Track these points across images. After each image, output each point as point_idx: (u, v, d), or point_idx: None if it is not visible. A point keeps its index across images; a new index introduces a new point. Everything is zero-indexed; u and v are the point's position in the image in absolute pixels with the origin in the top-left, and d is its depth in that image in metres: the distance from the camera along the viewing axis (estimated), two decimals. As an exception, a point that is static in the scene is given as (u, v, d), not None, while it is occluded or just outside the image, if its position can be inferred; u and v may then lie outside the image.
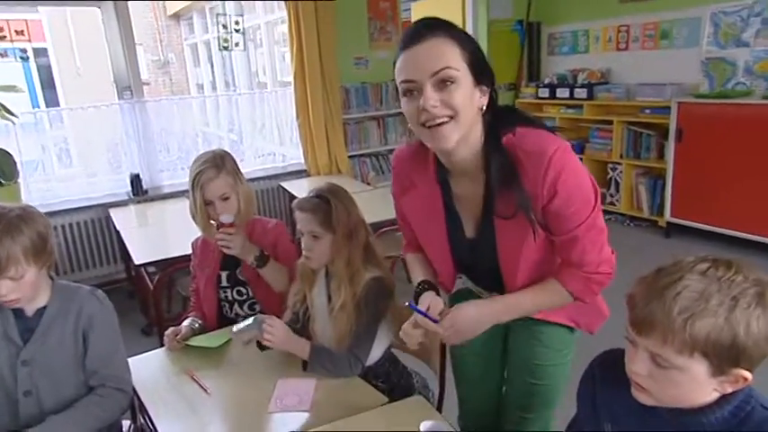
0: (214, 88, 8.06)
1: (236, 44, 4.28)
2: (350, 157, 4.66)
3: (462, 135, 1.12)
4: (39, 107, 7.98)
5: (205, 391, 1.55)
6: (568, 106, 5.07)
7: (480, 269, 1.36)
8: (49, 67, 8.59)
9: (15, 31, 3.30)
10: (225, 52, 4.80)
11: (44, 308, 1.47)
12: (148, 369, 1.69)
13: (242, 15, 4.27)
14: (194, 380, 1.60)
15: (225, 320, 2.00)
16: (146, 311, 3.35)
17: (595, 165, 4.96)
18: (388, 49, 4.77)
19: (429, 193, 1.30)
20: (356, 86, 4.68)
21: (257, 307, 2.00)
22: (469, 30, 5.29)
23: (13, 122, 3.51)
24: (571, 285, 1.23)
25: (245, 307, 2.00)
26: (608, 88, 4.82)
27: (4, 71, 3.52)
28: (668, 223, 4.36)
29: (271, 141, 4.87)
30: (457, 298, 1.53)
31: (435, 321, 1.23)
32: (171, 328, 1.83)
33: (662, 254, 4.49)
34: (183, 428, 1.43)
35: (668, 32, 4.52)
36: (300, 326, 1.76)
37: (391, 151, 4.25)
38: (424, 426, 1.13)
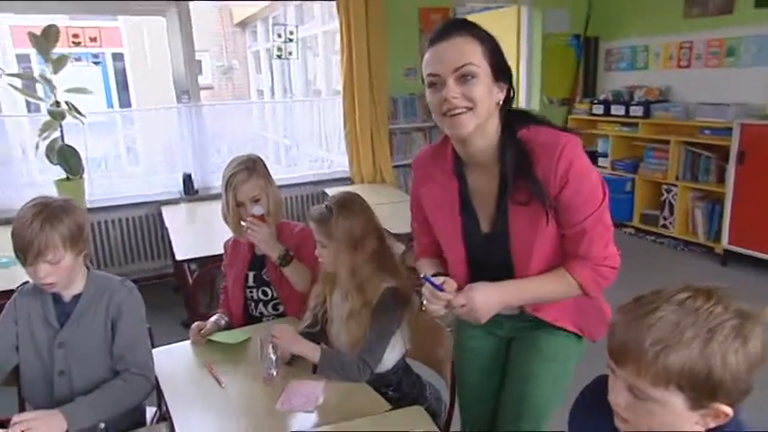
0: (273, 94, 8.34)
1: (290, 53, 4.43)
2: (395, 167, 4.70)
3: (479, 124, 1.21)
4: (113, 107, 8.54)
5: (219, 384, 1.61)
6: (623, 124, 4.92)
7: (494, 266, 1.36)
8: (125, 70, 9.22)
9: (89, 38, 3.57)
10: (281, 60, 4.95)
11: (80, 294, 1.58)
12: (171, 360, 1.78)
13: (297, 26, 4.41)
14: (211, 373, 1.67)
15: (251, 319, 2.08)
16: (188, 305, 3.50)
17: (649, 186, 4.78)
18: (439, 61, 4.79)
19: (446, 185, 1.36)
20: (404, 97, 4.73)
21: (281, 307, 2.06)
22: (524, 43, 5.25)
23: (81, 122, 3.79)
24: (578, 273, 1.27)
25: (270, 307, 2.07)
26: (666, 107, 4.64)
27: (78, 74, 3.80)
28: (725, 251, 4.13)
29: (320, 148, 4.99)
30: None
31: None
32: (196, 323, 1.92)
33: (717, 283, 4.22)
34: (195, 417, 1.50)
35: (735, 50, 4.31)
36: (319, 328, 1.80)
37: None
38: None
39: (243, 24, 10.76)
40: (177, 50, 4.08)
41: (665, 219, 4.66)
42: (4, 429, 1.29)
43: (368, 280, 1.62)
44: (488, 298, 1.28)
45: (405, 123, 4.76)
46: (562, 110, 5.41)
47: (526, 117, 1.30)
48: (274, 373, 1.58)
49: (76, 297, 1.58)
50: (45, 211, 1.46)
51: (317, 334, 1.80)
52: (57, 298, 1.57)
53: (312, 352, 1.61)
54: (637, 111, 4.75)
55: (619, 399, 0.88)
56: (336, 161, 4.85)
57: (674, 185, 4.53)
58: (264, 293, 2.06)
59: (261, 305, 2.07)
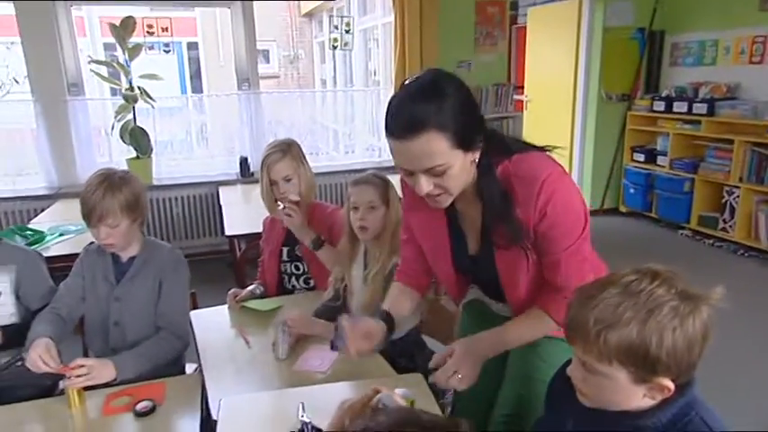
0: (335, 83, 8.57)
1: (346, 44, 4.58)
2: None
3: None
4: (186, 93, 9.08)
5: (247, 343, 1.78)
6: (685, 122, 4.72)
7: (485, 282, 1.41)
8: (199, 59, 9.80)
9: (162, 28, 3.87)
10: (342, 51, 5.12)
11: (135, 257, 1.79)
12: (209, 321, 1.97)
13: (352, 18, 4.56)
14: (241, 334, 1.84)
15: (284, 291, 2.23)
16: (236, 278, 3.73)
17: (709, 186, 4.59)
18: (494, 53, 4.83)
19: (434, 213, 1.33)
20: (456, 89, 4.77)
21: (311, 281, 2.20)
22: (584, 37, 5.13)
23: (152, 106, 4.11)
24: (555, 313, 1.26)
25: (301, 281, 2.22)
26: (732, 104, 4.42)
27: (155, 62, 4.13)
28: (788, 258, 3.93)
29: (373, 137, 5.13)
30: (468, 308, 1.59)
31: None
32: (232, 290, 2.10)
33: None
34: (223, 370, 1.66)
35: (813, 46, 4.05)
36: (340, 302, 1.94)
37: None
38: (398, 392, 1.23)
39: (310, 15, 11.05)
40: (240, 40, 4.33)
41: (724, 222, 4.46)
42: (65, 368, 1.49)
43: (394, 248, 1.72)
44: (474, 359, 1.28)
45: (456, 115, 4.80)
46: (621, 106, 5.26)
47: (503, 147, 1.22)
48: (284, 356, 1.68)
49: (132, 258, 1.79)
50: (107, 181, 1.68)
51: (338, 307, 1.93)
52: (115, 258, 1.80)
53: (326, 331, 1.70)
54: (700, 108, 4.56)
55: (575, 373, 0.96)
56: (387, 150, 4.96)
57: (737, 187, 4.33)
58: (297, 268, 2.21)
59: (293, 279, 2.23)
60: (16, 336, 1.75)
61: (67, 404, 1.45)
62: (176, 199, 4.30)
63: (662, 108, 4.90)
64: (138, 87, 3.97)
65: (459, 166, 1.13)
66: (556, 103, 5.58)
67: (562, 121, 5.53)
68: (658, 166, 5.00)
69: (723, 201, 4.45)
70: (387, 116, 1.13)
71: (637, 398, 0.91)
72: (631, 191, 5.27)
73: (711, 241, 4.57)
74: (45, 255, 2.24)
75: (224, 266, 4.15)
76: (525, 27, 5.99)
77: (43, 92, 4.01)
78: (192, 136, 4.86)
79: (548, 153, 1.24)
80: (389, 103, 1.15)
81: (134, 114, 4.03)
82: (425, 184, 1.14)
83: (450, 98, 1.09)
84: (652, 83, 5.24)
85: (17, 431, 1.39)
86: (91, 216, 1.66)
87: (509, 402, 1.47)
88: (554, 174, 1.16)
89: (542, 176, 1.15)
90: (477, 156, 1.17)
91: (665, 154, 4.93)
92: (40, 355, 1.49)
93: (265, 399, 1.50)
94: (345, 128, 5.19)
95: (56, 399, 1.57)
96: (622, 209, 5.45)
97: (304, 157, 2.17)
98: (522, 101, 5.93)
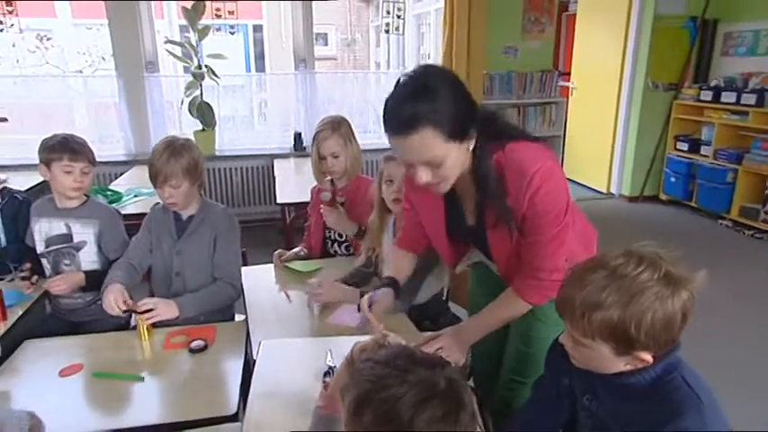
0: (389, 67, 8.77)
1: (397, 29, 4.79)
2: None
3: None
4: (251, 72, 9.55)
5: (288, 298, 2.05)
6: (733, 112, 4.68)
7: (483, 249, 1.57)
8: (263, 40, 10.23)
9: (228, 12, 4.24)
10: (395, 35, 5.32)
11: (193, 215, 2.02)
12: (256, 277, 2.22)
13: (403, 2, 4.76)
14: (284, 290, 2.10)
15: (326, 254, 2.44)
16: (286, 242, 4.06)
17: (752, 177, 4.56)
18: (541, 39, 4.91)
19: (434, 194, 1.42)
20: (501, 74, 4.90)
21: (352, 249, 2.39)
22: (633, 25, 5.12)
23: (217, 83, 4.49)
24: (527, 296, 1.38)
25: (343, 247, 2.42)
26: (783, 96, 4.36)
27: (222, 43, 4.50)
28: (827, 253, 3.91)
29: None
30: (474, 270, 1.79)
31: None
32: (278, 251, 2.34)
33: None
34: (266, 320, 1.89)
35: None
36: (372, 268, 2.16)
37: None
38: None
39: (367, 0, 11.23)
40: (298, 24, 4.63)
41: (766, 213, 4.44)
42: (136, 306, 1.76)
43: None
44: (460, 346, 1.42)
45: (500, 99, 4.92)
46: (667, 95, 5.23)
47: (499, 134, 1.29)
48: (316, 312, 1.89)
49: (191, 217, 2.00)
50: (170, 147, 1.90)
51: (370, 273, 2.14)
52: (177, 216, 2.01)
53: (352, 297, 1.89)
54: (749, 98, 4.51)
55: (566, 341, 1.06)
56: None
57: (782, 180, 4.30)
58: (340, 236, 2.39)
59: (336, 245, 2.43)
60: (97, 280, 1.99)
61: (138, 337, 1.72)
62: (236, 169, 4.69)
63: (709, 98, 4.87)
64: (206, 66, 4.34)
65: (455, 157, 1.22)
66: (601, 90, 5.59)
67: (607, 108, 5.56)
68: (701, 155, 4.98)
69: (766, 192, 4.42)
70: (384, 114, 1.20)
71: (619, 365, 0.99)
72: (672, 179, 5.27)
73: (752, 232, 4.56)
74: (122, 213, 2.39)
75: (275, 233, 4.51)
76: (575, 15, 6.00)
77: (125, 69, 4.45)
78: (254, 112, 5.22)
79: (542, 144, 1.33)
80: (386, 102, 1.21)
81: (201, 91, 4.42)
82: (424, 175, 1.23)
83: (441, 94, 1.15)
84: (701, 72, 5.18)
85: (101, 355, 1.68)
86: (157, 177, 1.87)
87: (512, 357, 1.65)
88: (543, 168, 1.23)
89: (532, 170, 1.22)
90: (472, 143, 1.25)
91: (709, 144, 4.90)
92: (114, 299, 1.74)
93: (299, 344, 1.69)
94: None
95: (129, 332, 1.87)
96: (662, 197, 5.46)
97: (353, 135, 2.32)
98: (569, 87, 5.97)
